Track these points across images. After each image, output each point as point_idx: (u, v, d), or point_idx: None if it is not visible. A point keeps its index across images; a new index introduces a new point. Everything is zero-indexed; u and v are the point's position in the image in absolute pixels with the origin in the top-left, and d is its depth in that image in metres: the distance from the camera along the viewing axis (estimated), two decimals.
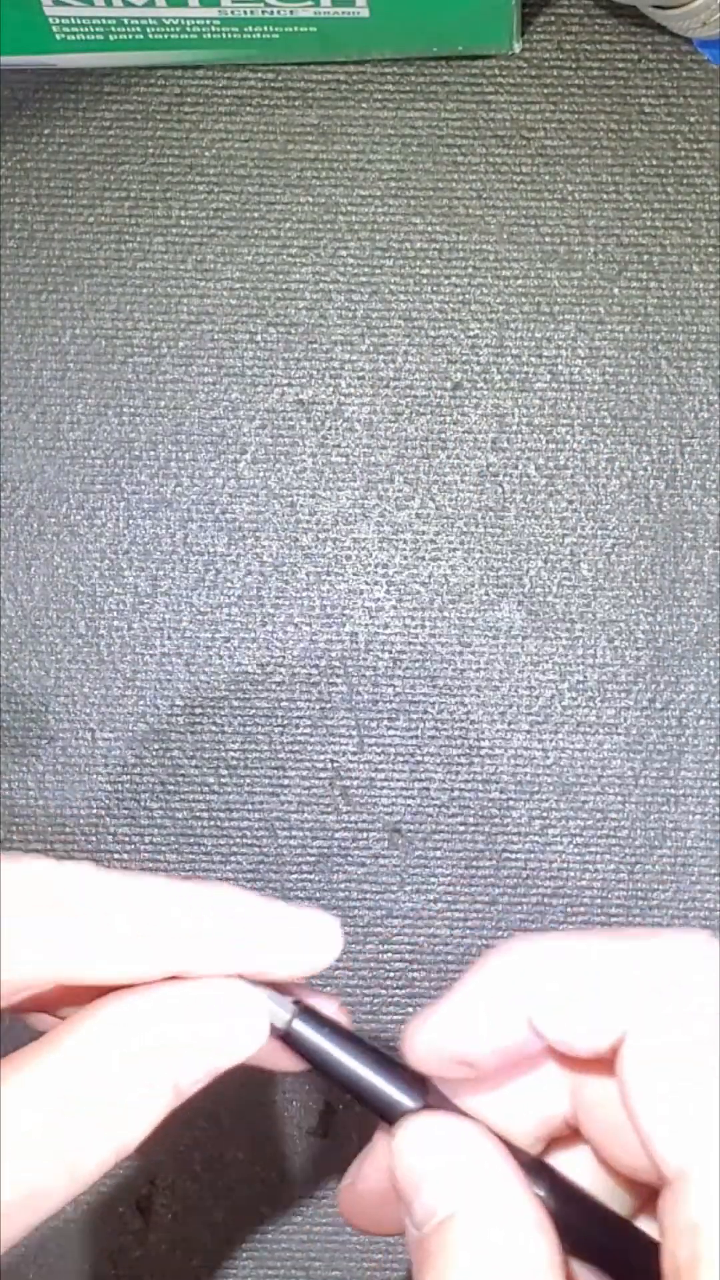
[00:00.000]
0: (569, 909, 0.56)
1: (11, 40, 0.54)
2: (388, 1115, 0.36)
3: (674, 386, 0.56)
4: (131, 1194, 0.57)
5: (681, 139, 0.56)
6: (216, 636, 0.56)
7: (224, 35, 0.54)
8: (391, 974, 0.56)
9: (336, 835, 0.56)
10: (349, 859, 0.56)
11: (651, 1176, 0.33)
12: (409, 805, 0.56)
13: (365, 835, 0.56)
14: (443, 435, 0.56)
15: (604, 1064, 0.34)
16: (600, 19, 0.56)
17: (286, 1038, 0.36)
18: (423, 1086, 0.36)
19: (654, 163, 0.56)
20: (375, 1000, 0.56)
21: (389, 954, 0.56)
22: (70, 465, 0.57)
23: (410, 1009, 0.56)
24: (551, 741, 0.56)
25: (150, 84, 0.57)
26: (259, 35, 0.54)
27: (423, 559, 0.56)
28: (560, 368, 0.56)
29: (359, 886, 0.56)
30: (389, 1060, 0.36)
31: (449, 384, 0.56)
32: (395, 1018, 0.56)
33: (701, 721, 0.55)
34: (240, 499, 0.56)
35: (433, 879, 0.56)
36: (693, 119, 0.56)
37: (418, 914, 0.56)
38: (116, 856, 0.56)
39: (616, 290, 0.56)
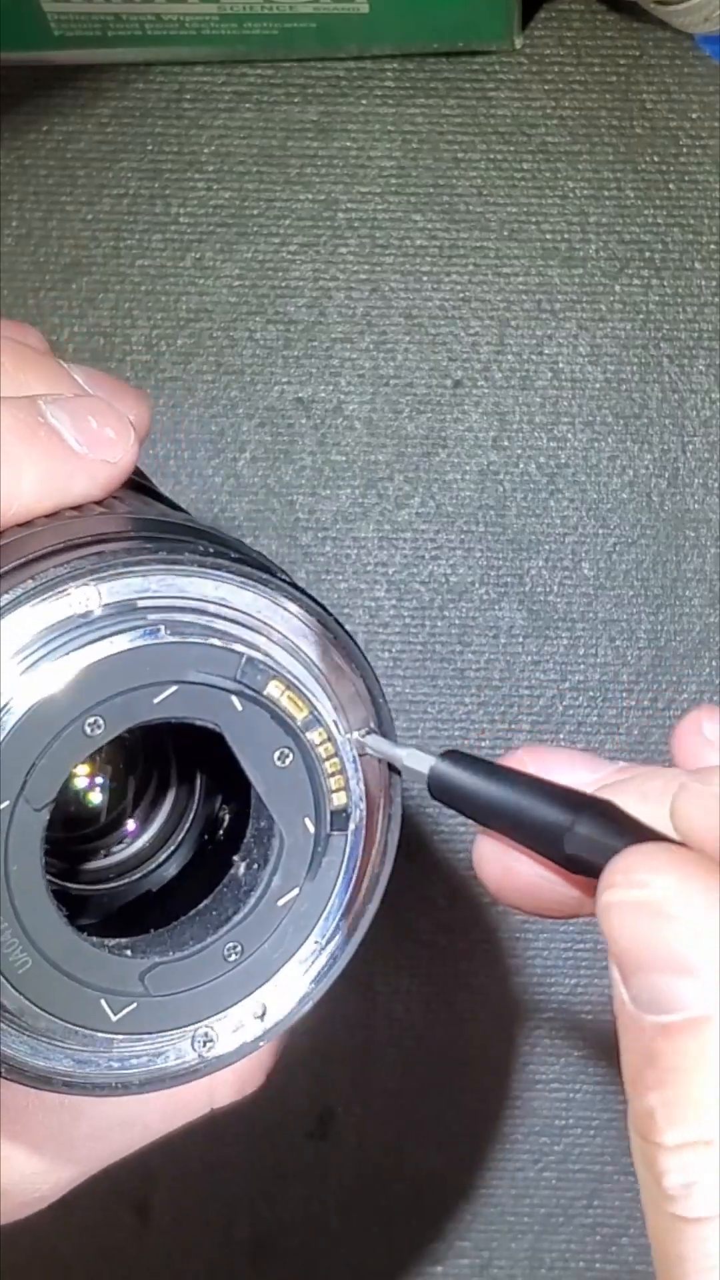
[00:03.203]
0: None
1: (10, 36, 0.54)
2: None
3: (676, 384, 0.55)
4: (130, 1196, 0.57)
5: (683, 135, 0.56)
6: None
7: (223, 31, 0.54)
8: (391, 976, 0.56)
9: None
10: None
11: None
12: (409, 807, 0.56)
13: None
14: (443, 433, 0.56)
15: None
16: (601, 15, 0.56)
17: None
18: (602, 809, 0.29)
19: (656, 159, 0.56)
20: (381, 1003, 0.56)
21: (389, 959, 0.56)
22: None
23: (416, 1028, 0.56)
24: (553, 742, 0.55)
25: (149, 80, 0.57)
26: (258, 31, 0.54)
27: (423, 558, 0.56)
28: (561, 365, 0.56)
29: None
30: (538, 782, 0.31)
31: (449, 381, 0.56)
32: (407, 1023, 0.56)
33: None
34: (239, 498, 0.56)
35: (434, 882, 0.56)
36: (694, 115, 0.56)
37: (420, 917, 0.56)
38: None
39: (618, 287, 0.56)
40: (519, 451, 0.56)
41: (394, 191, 0.56)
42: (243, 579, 0.30)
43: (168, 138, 0.57)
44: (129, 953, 0.31)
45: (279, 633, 0.31)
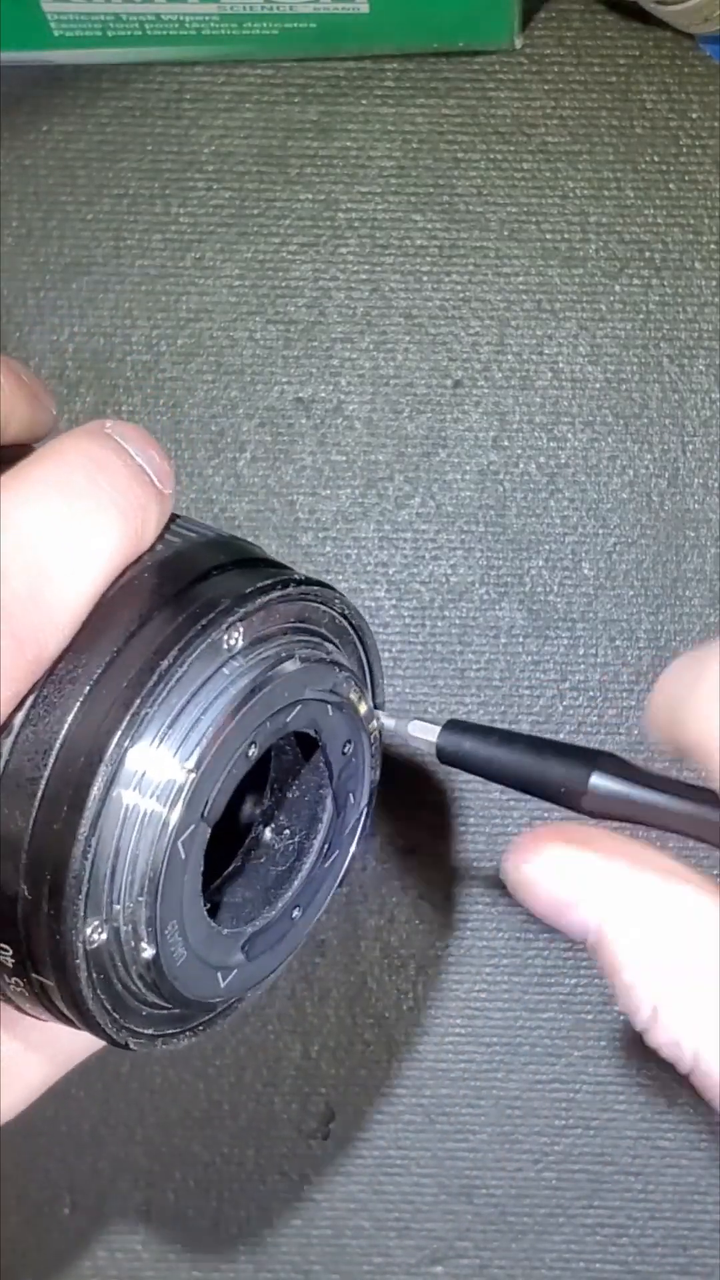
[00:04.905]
0: None
1: (10, 36, 0.54)
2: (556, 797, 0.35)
3: (676, 384, 0.55)
4: (130, 1196, 0.57)
5: (684, 135, 0.56)
6: None
7: (223, 31, 0.54)
8: (390, 976, 0.56)
9: None
10: None
11: None
12: (410, 808, 0.56)
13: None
14: (443, 433, 0.56)
15: None
16: (601, 14, 0.56)
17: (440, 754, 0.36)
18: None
19: (656, 159, 0.56)
20: (381, 1004, 0.56)
21: (389, 959, 0.56)
22: None
23: (416, 1028, 0.56)
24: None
25: (149, 80, 0.57)
26: (258, 31, 0.54)
27: (423, 558, 0.56)
28: (561, 365, 0.56)
29: (360, 892, 0.56)
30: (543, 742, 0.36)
31: (449, 381, 0.56)
32: (407, 1023, 0.56)
33: None
34: (239, 498, 0.56)
35: (434, 880, 0.56)
36: (695, 115, 0.56)
37: (420, 917, 0.56)
38: None
39: (618, 287, 0.56)
40: (519, 451, 0.56)
41: (394, 191, 0.56)
42: (320, 600, 0.34)
43: (168, 138, 0.57)
44: (222, 928, 0.34)
45: (339, 639, 0.35)
